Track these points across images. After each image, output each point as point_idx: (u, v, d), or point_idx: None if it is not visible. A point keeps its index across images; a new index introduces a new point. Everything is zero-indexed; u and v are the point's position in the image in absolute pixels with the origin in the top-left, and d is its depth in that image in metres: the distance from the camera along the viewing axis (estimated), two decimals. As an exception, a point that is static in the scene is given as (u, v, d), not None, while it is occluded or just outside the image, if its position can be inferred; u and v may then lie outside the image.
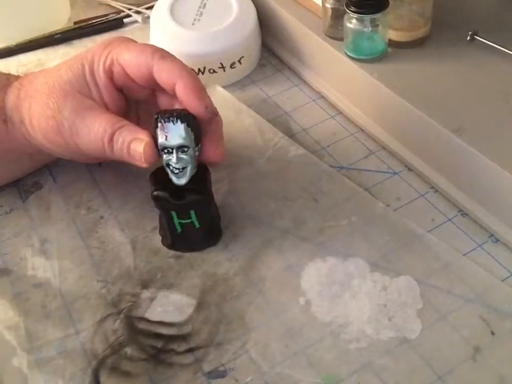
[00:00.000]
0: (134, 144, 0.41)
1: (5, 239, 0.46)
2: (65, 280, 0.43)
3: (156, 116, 0.40)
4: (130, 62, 0.42)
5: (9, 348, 0.40)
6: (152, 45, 0.44)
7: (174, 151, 0.40)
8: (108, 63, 0.43)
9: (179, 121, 0.39)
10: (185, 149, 0.40)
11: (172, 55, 0.43)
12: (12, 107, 0.45)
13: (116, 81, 0.44)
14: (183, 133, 0.39)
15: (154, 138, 0.40)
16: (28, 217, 0.48)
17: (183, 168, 0.40)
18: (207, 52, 0.57)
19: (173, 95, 0.43)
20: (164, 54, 0.42)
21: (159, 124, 0.40)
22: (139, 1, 0.71)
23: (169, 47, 0.56)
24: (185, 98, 0.41)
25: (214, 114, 0.42)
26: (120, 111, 0.45)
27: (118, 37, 0.45)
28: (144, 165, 0.41)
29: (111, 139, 0.42)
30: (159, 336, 0.39)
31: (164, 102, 0.45)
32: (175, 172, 0.40)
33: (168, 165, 0.40)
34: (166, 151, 0.40)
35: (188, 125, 0.40)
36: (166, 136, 0.40)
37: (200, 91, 0.41)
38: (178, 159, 0.40)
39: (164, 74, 0.42)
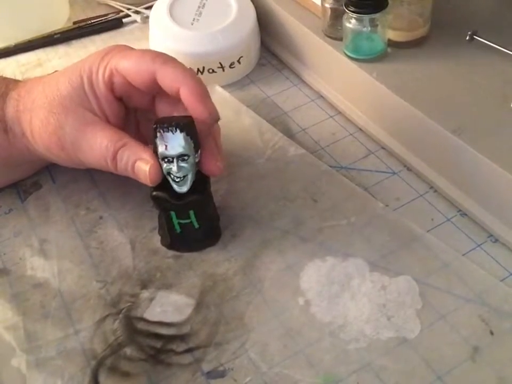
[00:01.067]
0: (139, 164, 0.41)
1: (4, 239, 0.46)
2: (64, 280, 0.43)
3: (155, 125, 0.40)
4: (131, 69, 0.42)
5: (8, 348, 0.40)
6: (151, 50, 0.43)
7: (175, 160, 0.40)
8: (107, 74, 0.43)
9: (178, 131, 0.39)
10: (186, 158, 0.40)
11: (174, 59, 0.43)
12: (12, 118, 0.45)
13: (116, 91, 0.43)
14: (182, 142, 0.39)
15: (154, 147, 0.40)
16: (27, 218, 0.48)
17: (184, 177, 0.40)
18: (206, 51, 0.57)
19: (174, 101, 0.43)
20: (165, 59, 0.42)
21: (158, 134, 0.39)
22: (138, 1, 0.71)
23: (169, 47, 0.57)
24: (189, 103, 0.41)
25: (217, 120, 0.42)
26: (119, 120, 0.45)
27: (114, 46, 0.45)
28: (149, 184, 0.41)
29: (114, 157, 0.42)
30: (158, 336, 0.39)
31: (162, 109, 0.45)
32: (176, 180, 0.40)
33: (169, 173, 0.41)
34: (166, 160, 0.40)
35: (187, 134, 0.39)
36: (166, 146, 0.40)
37: (205, 96, 0.41)
38: (179, 168, 0.40)
39: (167, 79, 0.41)
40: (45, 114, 0.43)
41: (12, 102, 0.45)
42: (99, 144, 0.42)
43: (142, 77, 0.42)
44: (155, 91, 0.43)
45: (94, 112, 0.43)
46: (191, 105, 0.41)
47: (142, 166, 0.41)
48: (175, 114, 0.43)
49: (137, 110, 0.47)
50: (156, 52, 0.43)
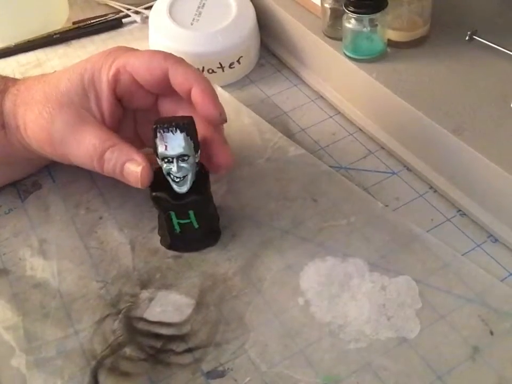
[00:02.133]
0: (128, 166, 0.41)
1: (4, 239, 0.46)
2: (64, 280, 0.43)
3: (155, 126, 0.40)
4: (141, 67, 0.42)
5: (8, 348, 0.39)
6: (161, 50, 0.44)
7: (175, 160, 0.40)
8: (111, 72, 0.43)
9: (178, 131, 0.39)
10: (186, 158, 0.40)
11: (184, 59, 0.43)
12: (8, 113, 0.45)
13: (119, 90, 0.43)
14: (182, 142, 0.39)
15: (153, 148, 0.40)
16: (26, 217, 0.48)
17: (184, 177, 0.40)
18: (206, 52, 0.57)
19: (177, 100, 0.43)
20: (177, 58, 0.43)
21: (158, 134, 0.40)
22: (138, 1, 0.71)
23: (168, 47, 0.57)
24: (201, 102, 0.41)
25: (225, 121, 0.42)
26: (116, 121, 0.45)
27: (116, 47, 0.45)
28: (139, 187, 0.41)
29: (101, 157, 0.41)
30: (158, 336, 0.39)
31: (166, 108, 0.45)
32: (176, 180, 0.40)
33: (168, 174, 0.41)
34: (166, 160, 0.40)
35: (187, 134, 0.40)
36: (166, 146, 0.40)
37: (216, 97, 0.42)
38: (179, 168, 0.40)
39: (179, 78, 0.42)
40: (39, 109, 0.43)
41: (10, 97, 0.45)
42: (87, 143, 0.42)
43: (153, 74, 0.42)
44: (161, 90, 0.43)
45: (90, 111, 0.43)
46: (203, 104, 0.41)
47: (133, 168, 0.41)
48: (179, 112, 0.43)
49: (136, 111, 0.47)
50: (166, 52, 0.43)
